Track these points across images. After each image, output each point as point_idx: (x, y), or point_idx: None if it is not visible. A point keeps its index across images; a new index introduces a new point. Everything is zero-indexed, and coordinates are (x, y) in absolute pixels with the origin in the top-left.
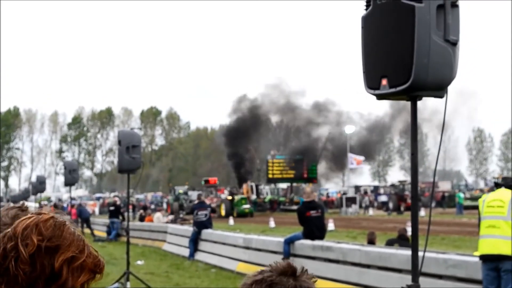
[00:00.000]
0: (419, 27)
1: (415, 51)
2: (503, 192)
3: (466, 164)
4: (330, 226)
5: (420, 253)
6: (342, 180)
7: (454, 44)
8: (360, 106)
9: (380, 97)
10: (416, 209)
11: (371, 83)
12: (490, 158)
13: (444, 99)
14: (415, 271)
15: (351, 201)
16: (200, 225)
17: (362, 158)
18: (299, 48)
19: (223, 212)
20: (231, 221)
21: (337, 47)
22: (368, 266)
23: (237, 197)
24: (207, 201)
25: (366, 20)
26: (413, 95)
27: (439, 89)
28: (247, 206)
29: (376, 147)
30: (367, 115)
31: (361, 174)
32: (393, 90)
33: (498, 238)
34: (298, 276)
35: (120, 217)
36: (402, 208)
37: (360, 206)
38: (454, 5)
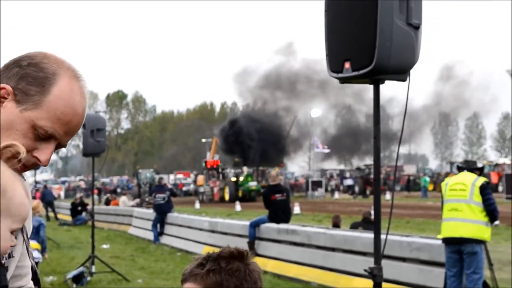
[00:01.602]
0: (382, 10)
1: (378, 34)
2: (465, 175)
3: (432, 148)
4: (296, 209)
5: (383, 236)
6: (308, 164)
7: (417, 27)
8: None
9: (343, 80)
10: (378, 192)
11: (334, 66)
12: (455, 142)
13: (406, 82)
14: (378, 253)
15: (317, 184)
16: (158, 208)
17: (326, 148)
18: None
19: (227, 196)
20: (197, 205)
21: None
22: (333, 249)
23: (242, 177)
24: (210, 184)
25: (329, 4)
26: (375, 78)
27: (401, 73)
28: (254, 183)
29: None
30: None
31: (327, 158)
32: (355, 73)
33: (460, 221)
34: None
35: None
36: (368, 192)
37: (326, 190)
38: None
